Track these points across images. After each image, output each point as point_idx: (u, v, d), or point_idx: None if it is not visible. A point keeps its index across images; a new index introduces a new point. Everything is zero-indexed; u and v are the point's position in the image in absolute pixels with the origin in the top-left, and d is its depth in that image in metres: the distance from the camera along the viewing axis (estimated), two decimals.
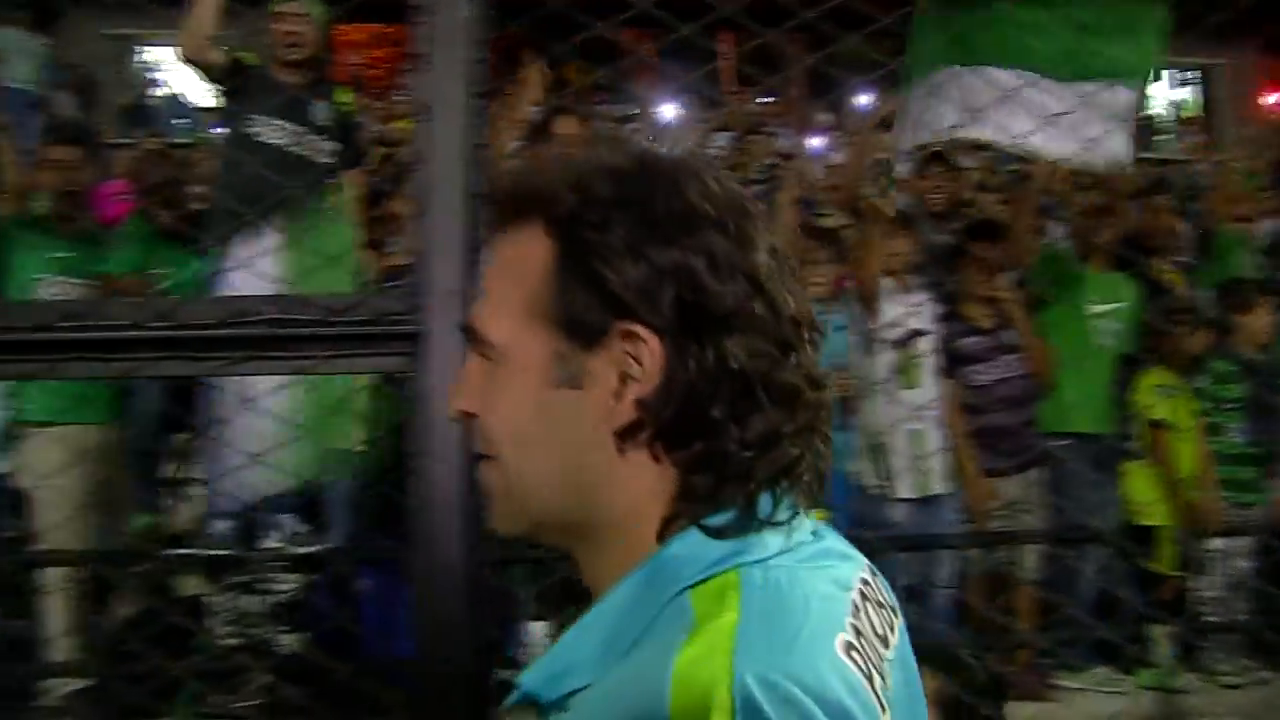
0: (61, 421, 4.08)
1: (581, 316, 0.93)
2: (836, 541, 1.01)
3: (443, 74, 1.88)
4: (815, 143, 10.93)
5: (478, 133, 1.88)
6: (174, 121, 10.37)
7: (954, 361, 4.99)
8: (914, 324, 4.89)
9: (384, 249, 4.58)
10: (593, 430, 0.93)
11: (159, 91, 11.26)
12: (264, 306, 1.84)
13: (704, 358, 0.90)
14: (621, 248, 0.91)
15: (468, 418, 1.01)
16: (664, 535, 0.93)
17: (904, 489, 4.82)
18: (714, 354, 0.90)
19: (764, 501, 0.93)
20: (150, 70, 11.81)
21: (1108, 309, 5.37)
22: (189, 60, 4.26)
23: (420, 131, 1.88)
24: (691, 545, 0.91)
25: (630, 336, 0.91)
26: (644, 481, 0.94)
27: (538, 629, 3.90)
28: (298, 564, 3.97)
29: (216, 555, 3.99)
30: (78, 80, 10.30)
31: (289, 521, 3.99)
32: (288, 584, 4.26)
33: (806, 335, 0.97)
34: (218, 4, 4.14)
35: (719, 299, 0.91)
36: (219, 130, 5.04)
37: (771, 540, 0.92)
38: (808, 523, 0.98)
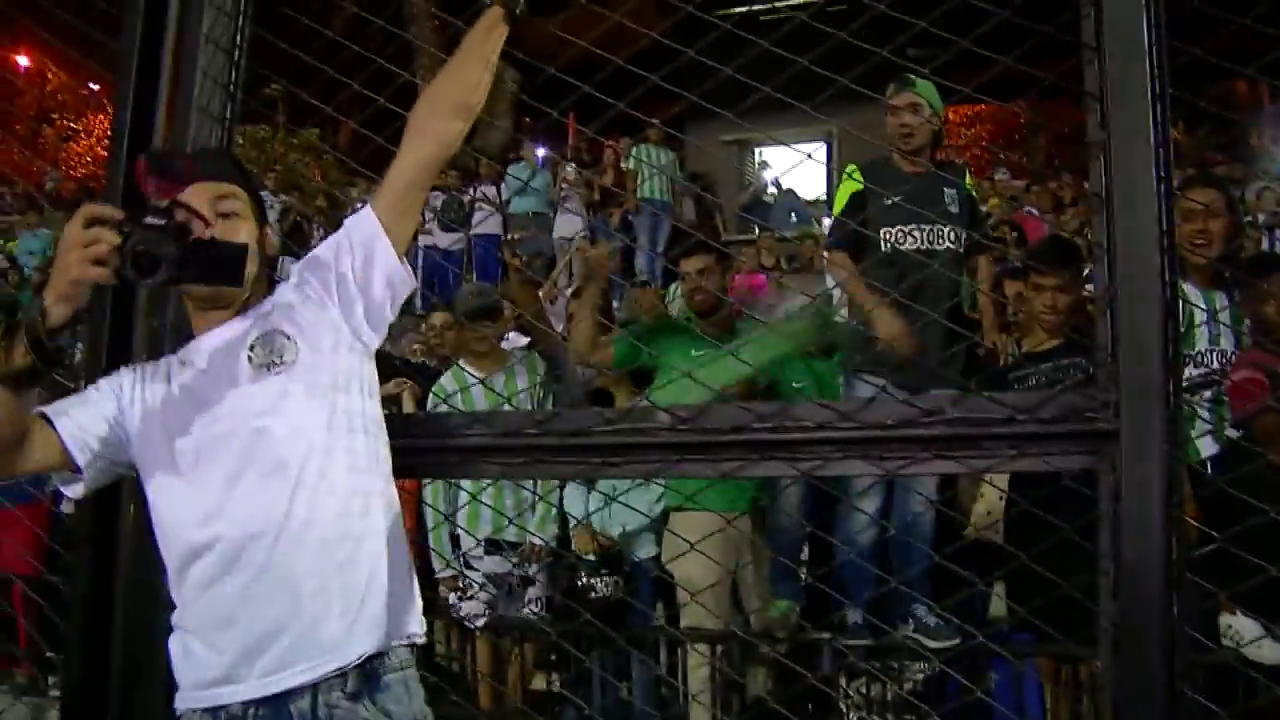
0: (705, 507, 4.30)
1: None
2: None
3: (1125, 160, 1.80)
4: None
5: (1167, 220, 1.79)
6: (791, 217, 10.97)
7: None
8: None
9: (1015, 332, 4.49)
10: None
11: (773, 190, 11.96)
12: (949, 406, 1.85)
13: None
14: None
15: None
16: None
17: None
18: None
19: None
20: (765, 169, 12.61)
21: None
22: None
23: (1099, 222, 1.82)
24: None
25: None
26: None
27: None
28: (929, 654, 3.96)
29: (848, 642, 4.06)
30: (700, 186, 11.21)
31: (921, 612, 3.98)
32: (919, 673, 4.25)
33: None
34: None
35: None
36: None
37: None
38: None
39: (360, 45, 2.75)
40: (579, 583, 4.71)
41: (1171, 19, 1.95)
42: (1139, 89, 1.83)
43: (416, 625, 1.96)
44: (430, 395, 5.04)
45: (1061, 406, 1.79)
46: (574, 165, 11.07)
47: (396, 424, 2.13)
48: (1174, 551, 1.71)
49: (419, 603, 1.99)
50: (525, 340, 6.04)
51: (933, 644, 3.97)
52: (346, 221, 2.05)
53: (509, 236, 10.56)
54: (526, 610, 4.89)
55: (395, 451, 2.06)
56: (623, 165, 10.96)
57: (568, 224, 10.61)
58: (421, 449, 2.29)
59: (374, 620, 1.86)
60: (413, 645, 1.94)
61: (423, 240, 10.95)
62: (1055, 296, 4.09)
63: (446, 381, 5.07)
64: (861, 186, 4.38)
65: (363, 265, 1.98)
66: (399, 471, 2.08)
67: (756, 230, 10.67)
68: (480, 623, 4.81)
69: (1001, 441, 1.83)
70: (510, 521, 4.76)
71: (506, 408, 4.69)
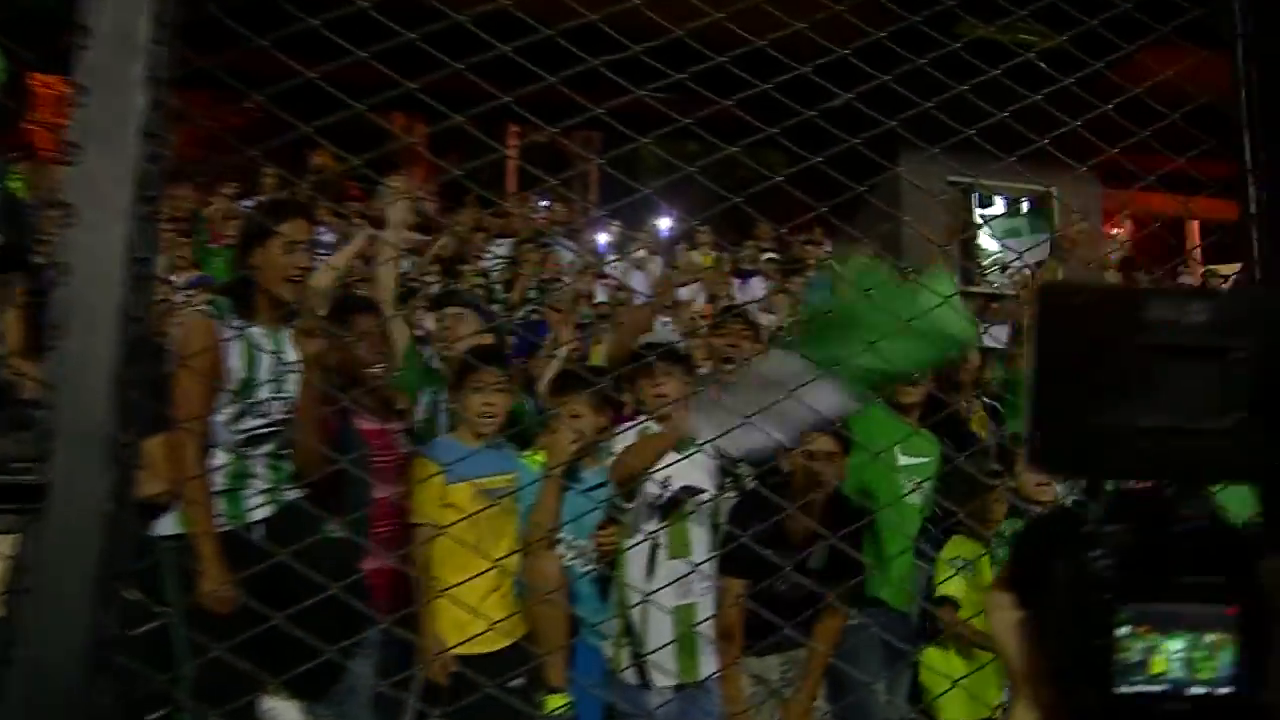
0: None
1: None
2: None
3: (99, 172, 1.55)
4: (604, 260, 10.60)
5: (141, 245, 1.56)
6: None
7: (748, 564, 4.00)
8: (687, 481, 4.14)
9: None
10: None
11: None
12: None
13: None
14: None
15: None
16: None
17: (663, 675, 4.08)
18: None
19: None
20: None
21: (915, 463, 4.81)
22: None
23: (66, 240, 1.54)
24: None
25: None
26: None
27: None
28: None
29: None
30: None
31: None
32: None
33: None
34: None
35: None
36: None
37: None
38: None
39: None
40: None
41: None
42: (126, 93, 1.59)
43: None
44: None
45: None
46: None
47: None
48: (106, 630, 1.48)
49: None
50: None
51: None
52: None
53: None
54: None
55: None
56: None
57: None
58: None
59: None
60: None
61: None
62: None
63: None
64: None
65: None
66: None
67: None
68: None
69: None
70: None
71: None
